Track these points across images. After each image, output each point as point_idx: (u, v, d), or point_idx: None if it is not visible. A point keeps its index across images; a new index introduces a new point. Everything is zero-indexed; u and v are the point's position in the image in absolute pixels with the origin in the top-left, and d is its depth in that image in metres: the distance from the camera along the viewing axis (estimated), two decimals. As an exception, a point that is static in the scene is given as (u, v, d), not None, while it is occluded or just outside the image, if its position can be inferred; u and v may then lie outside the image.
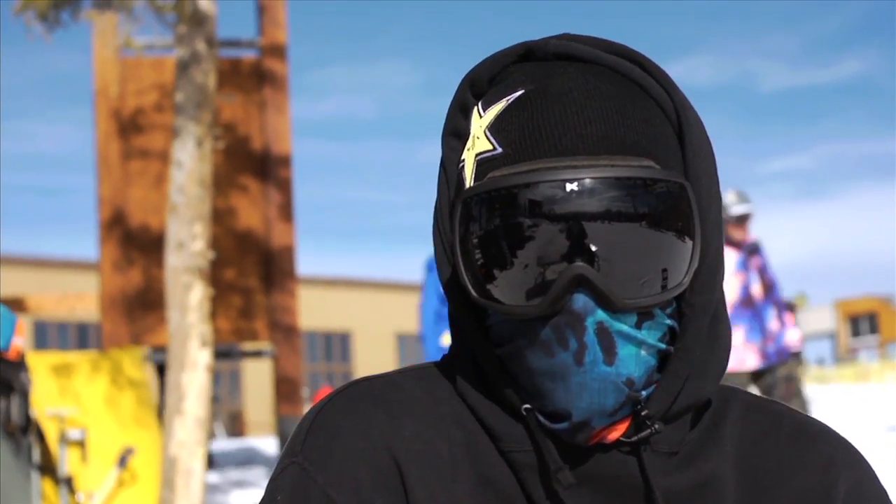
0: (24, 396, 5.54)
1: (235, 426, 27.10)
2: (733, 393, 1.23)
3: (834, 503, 1.16)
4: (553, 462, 1.09)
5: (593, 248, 1.04)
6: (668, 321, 1.11)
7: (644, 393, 1.10)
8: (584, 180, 1.04)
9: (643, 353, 1.08)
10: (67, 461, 7.33)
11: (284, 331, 10.46)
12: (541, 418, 1.10)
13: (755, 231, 9.38)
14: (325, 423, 1.15)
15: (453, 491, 1.12)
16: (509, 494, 1.12)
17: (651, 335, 1.09)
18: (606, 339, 1.06)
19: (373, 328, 31.50)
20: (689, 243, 1.08)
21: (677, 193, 1.07)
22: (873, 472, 1.21)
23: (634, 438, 1.10)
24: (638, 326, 1.08)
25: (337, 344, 31.06)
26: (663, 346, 1.10)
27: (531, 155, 1.07)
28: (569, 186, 1.04)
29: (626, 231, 1.05)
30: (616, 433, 1.11)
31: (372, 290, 32.11)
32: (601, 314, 1.05)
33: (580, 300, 1.05)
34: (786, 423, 1.21)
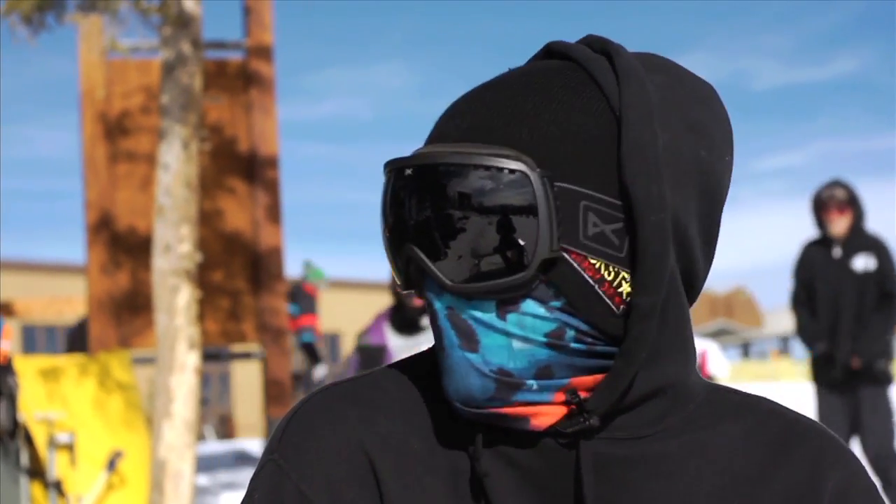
0: (12, 400, 5.54)
1: (225, 428, 27.05)
2: (720, 391, 1.22)
3: (822, 500, 1.16)
4: (475, 450, 1.12)
5: (421, 231, 1.08)
6: (561, 316, 1.08)
7: (536, 384, 1.08)
8: (420, 165, 1.08)
9: (517, 344, 1.08)
10: (56, 465, 7.31)
11: (273, 332, 10.44)
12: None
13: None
14: (300, 421, 1.18)
15: (426, 484, 1.13)
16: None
17: (525, 329, 1.07)
18: (461, 325, 1.08)
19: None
20: (532, 233, 1.05)
21: (518, 181, 1.06)
22: (863, 468, 1.21)
23: (569, 430, 1.10)
24: (501, 316, 1.07)
25: (326, 345, 31.06)
26: (544, 340, 1.08)
27: (427, 141, 1.12)
28: (407, 171, 1.09)
29: (456, 217, 1.06)
30: (548, 419, 1.10)
31: (361, 292, 32.10)
32: (449, 298, 1.08)
33: (430, 284, 1.09)
34: (774, 420, 1.21)
